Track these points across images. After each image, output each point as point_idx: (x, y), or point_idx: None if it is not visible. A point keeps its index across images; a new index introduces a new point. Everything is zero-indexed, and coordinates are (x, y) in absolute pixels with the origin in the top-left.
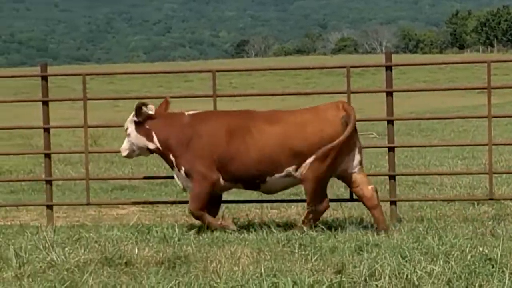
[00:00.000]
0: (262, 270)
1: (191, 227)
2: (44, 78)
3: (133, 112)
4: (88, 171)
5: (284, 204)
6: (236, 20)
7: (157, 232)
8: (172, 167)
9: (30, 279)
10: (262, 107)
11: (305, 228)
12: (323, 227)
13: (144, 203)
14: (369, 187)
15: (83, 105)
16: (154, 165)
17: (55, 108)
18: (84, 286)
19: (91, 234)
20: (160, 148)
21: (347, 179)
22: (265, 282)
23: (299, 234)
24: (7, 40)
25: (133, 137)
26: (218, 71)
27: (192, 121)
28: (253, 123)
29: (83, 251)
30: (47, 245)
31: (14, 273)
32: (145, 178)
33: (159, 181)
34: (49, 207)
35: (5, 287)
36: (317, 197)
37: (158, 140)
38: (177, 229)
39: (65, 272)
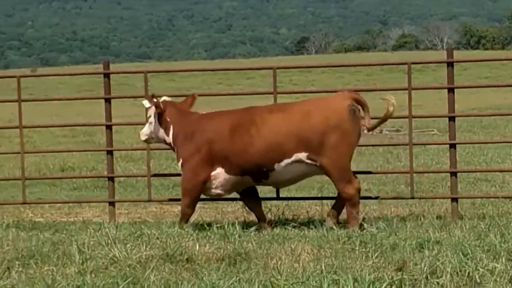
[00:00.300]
0: (323, 267)
1: (251, 223)
2: (107, 76)
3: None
4: (150, 168)
5: None
6: (297, 17)
7: (218, 228)
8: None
9: (93, 275)
10: None
11: (355, 222)
12: (384, 224)
13: (204, 200)
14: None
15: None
16: None
17: (117, 106)
18: (145, 282)
19: (152, 231)
20: (172, 142)
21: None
22: (325, 279)
23: (357, 231)
24: (70, 38)
25: (154, 126)
26: (278, 68)
27: (200, 119)
28: (258, 115)
29: (144, 247)
30: (109, 242)
31: (77, 268)
32: None
33: None
34: (111, 203)
35: (68, 283)
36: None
37: (172, 134)
38: (237, 226)
39: (127, 268)
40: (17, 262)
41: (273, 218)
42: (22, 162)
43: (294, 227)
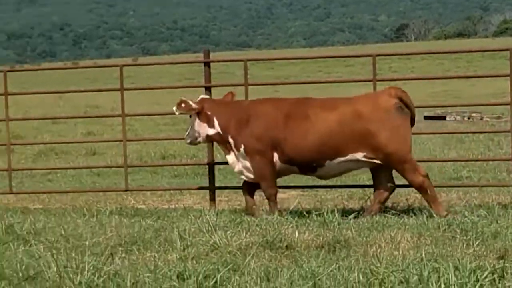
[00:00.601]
0: (423, 255)
1: (350, 211)
2: (207, 64)
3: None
4: None
5: (444, 188)
6: (396, 4)
7: (317, 216)
8: (229, 151)
9: (194, 261)
10: (421, 91)
11: (441, 207)
12: (485, 212)
13: (304, 187)
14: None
15: (244, 91)
16: None
17: (216, 94)
18: (246, 268)
19: (252, 218)
20: (220, 132)
21: None
22: (425, 267)
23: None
24: (170, 27)
25: (195, 124)
26: (378, 55)
27: (253, 104)
28: (311, 110)
29: (244, 234)
30: (210, 228)
31: (178, 255)
32: None
33: None
34: (212, 190)
35: (170, 269)
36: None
37: (219, 124)
38: (336, 214)
39: (228, 255)
40: (120, 248)
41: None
42: (124, 150)
43: (393, 214)
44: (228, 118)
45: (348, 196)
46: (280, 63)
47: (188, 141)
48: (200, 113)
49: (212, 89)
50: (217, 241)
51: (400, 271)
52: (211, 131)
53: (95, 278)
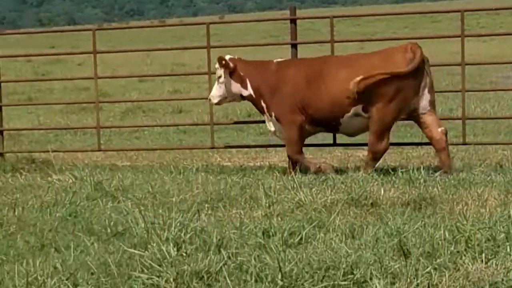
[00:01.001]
0: (510, 213)
1: (436, 169)
2: (293, 21)
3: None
4: None
5: None
6: None
7: (402, 173)
8: (263, 112)
9: (279, 218)
10: (509, 47)
11: (368, 170)
12: None
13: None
14: (439, 130)
15: (330, 48)
16: None
17: (302, 51)
18: (331, 226)
19: (337, 175)
20: (253, 94)
21: (417, 120)
22: None
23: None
24: None
25: (227, 84)
26: (466, 10)
27: (279, 67)
28: (326, 69)
29: (329, 191)
30: (295, 186)
31: (263, 212)
32: None
33: (404, 122)
34: None
35: (255, 225)
36: (381, 137)
37: (252, 86)
38: (422, 171)
39: (313, 212)
40: (206, 205)
41: (460, 163)
42: (210, 107)
43: (480, 172)
44: (259, 81)
45: (434, 154)
46: (366, 20)
47: (216, 100)
48: (233, 73)
49: (298, 46)
50: (302, 198)
51: (486, 229)
52: (245, 92)
53: (182, 234)
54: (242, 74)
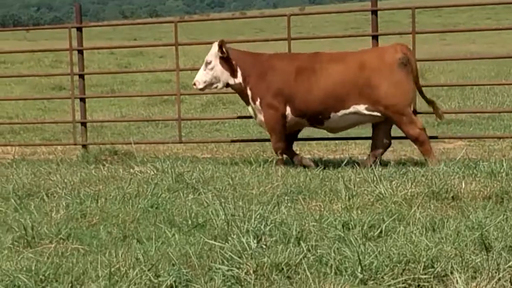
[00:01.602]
0: None
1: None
2: (374, 13)
3: (217, 47)
4: (415, 105)
5: None
6: None
7: (484, 166)
8: (247, 102)
9: (359, 211)
10: None
11: (433, 158)
12: None
13: (471, 137)
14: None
15: (412, 39)
16: (481, 99)
17: (382, 43)
18: (411, 219)
19: (418, 168)
20: (242, 84)
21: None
22: None
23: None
24: None
25: (217, 70)
26: None
27: (270, 59)
28: (319, 64)
29: (410, 184)
30: (375, 178)
31: (343, 204)
32: (471, 112)
33: (486, 115)
34: None
35: (335, 218)
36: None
37: (242, 75)
38: (505, 164)
39: (393, 205)
40: (286, 198)
41: None
42: None
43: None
44: (249, 70)
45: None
46: (448, 11)
47: (202, 86)
48: (224, 60)
49: (379, 38)
50: (382, 191)
51: None
52: (232, 81)
53: (262, 227)
54: (234, 62)
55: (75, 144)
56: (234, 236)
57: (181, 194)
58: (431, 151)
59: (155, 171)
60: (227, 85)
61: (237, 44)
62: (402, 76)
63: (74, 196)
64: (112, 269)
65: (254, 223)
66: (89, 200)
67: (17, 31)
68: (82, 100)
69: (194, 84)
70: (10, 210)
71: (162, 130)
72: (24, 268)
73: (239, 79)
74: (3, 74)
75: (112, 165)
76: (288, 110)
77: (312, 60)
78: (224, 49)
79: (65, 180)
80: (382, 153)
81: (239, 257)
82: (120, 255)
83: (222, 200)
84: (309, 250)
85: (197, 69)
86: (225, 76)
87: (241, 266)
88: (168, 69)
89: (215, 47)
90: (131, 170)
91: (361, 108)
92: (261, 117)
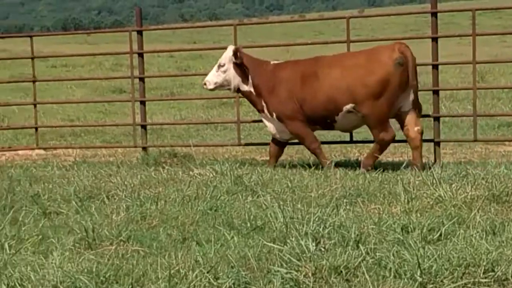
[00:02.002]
0: None
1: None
2: (434, 15)
3: (231, 52)
4: (476, 107)
5: None
6: None
7: None
8: (261, 111)
9: (418, 214)
10: None
11: (370, 162)
12: None
13: None
14: (415, 129)
15: (472, 41)
16: None
17: (442, 45)
18: (471, 222)
19: (478, 171)
20: (253, 91)
21: (399, 118)
22: None
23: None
24: None
25: (229, 74)
26: None
27: (275, 69)
28: (318, 68)
29: (470, 187)
30: (434, 181)
31: (402, 207)
32: None
33: None
34: (437, 143)
35: (394, 221)
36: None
37: (253, 83)
38: None
39: (452, 208)
40: (344, 200)
41: None
42: None
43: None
44: (259, 79)
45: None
46: (509, 12)
47: (212, 86)
48: (238, 66)
49: (438, 40)
50: (442, 194)
51: None
52: (243, 87)
53: (320, 229)
54: (247, 69)
55: (135, 147)
56: (293, 239)
57: (240, 197)
58: (374, 159)
59: (214, 174)
60: (238, 90)
61: (296, 47)
62: (395, 78)
63: (134, 198)
64: (172, 271)
65: (312, 226)
66: (149, 202)
67: (78, 35)
68: (142, 102)
69: (205, 84)
70: (71, 212)
71: (221, 133)
72: (85, 270)
73: (249, 87)
74: (65, 77)
75: (171, 167)
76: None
77: (314, 65)
78: (239, 56)
79: (125, 182)
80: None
81: (298, 260)
82: (179, 257)
83: (281, 203)
84: (368, 253)
85: None
86: (236, 81)
87: (300, 268)
88: None
89: (230, 51)
90: (191, 172)
91: (350, 107)
92: (278, 126)
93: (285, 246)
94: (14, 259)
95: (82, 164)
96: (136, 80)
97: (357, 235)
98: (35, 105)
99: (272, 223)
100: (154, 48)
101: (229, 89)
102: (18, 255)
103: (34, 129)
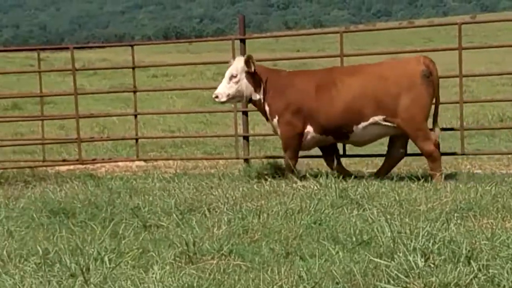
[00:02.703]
0: None
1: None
2: None
3: (243, 62)
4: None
5: None
6: None
7: None
8: (268, 119)
9: None
10: None
11: (438, 175)
12: None
13: None
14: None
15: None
16: None
17: None
18: None
19: None
20: (262, 99)
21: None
22: None
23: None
24: None
25: (242, 84)
26: None
27: (289, 76)
28: (339, 77)
29: None
30: None
31: None
32: None
33: None
34: None
35: (508, 236)
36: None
37: (263, 91)
38: None
39: None
40: (455, 214)
41: None
42: (461, 112)
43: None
44: (269, 86)
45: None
46: None
47: (225, 99)
48: (252, 75)
49: None
50: None
51: None
52: (255, 96)
53: (430, 244)
54: (260, 78)
55: (237, 158)
56: (401, 254)
57: (345, 210)
58: (440, 169)
59: (318, 186)
60: (250, 100)
61: (405, 54)
62: (423, 90)
63: (236, 211)
64: (275, 287)
65: (421, 241)
66: (251, 215)
67: (180, 44)
68: (245, 113)
69: (216, 97)
70: (172, 225)
71: None
72: (186, 285)
73: (260, 95)
74: (166, 87)
75: (274, 179)
76: (311, 128)
77: (331, 75)
78: (252, 64)
79: (227, 195)
80: (396, 163)
81: (406, 276)
82: (282, 272)
83: (388, 217)
84: (480, 270)
85: None
86: (249, 91)
87: (408, 285)
88: None
89: (241, 61)
90: (294, 185)
91: (380, 119)
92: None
93: (392, 262)
94: (114, 273)
95: (183, 176)
96: None
97: (469, 250)
98: (135, 116)
99: (379, 237)
100: (257, 57)
101: (240, 100)
102: (118, 269)
103: (134, 140)
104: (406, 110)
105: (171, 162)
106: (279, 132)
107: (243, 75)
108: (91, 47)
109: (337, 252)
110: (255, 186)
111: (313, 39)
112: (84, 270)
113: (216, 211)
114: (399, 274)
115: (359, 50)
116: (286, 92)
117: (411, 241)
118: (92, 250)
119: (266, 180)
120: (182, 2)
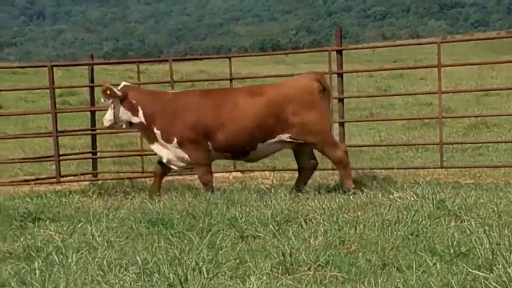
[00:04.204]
0: None
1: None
2: None
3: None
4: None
5: None
6: None
7: None
8: (153, 141)
9: None
10: None
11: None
12: None
13: None
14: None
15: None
16: None
17: None
18: None
19: None
20: (144, 122)
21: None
22: None
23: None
24: None
25: (116, 111)
26: None
27: (178, 96)
28: (241, 97)
29: None
30: None
31: None
32: None
33: None
34: None
35: None
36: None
37: (144, 114)
38: None
39: None
40: None
41: None
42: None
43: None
44: (153, 109)
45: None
46: None
47: (107, 124)
48: (123, 101)
49: None
50: None
51: None
52: (134, 119)
53: None
54: (133, 101)
55: (333, 169)
56: (500, 266)
57: (443, 221)
58: (350, 175)
59: (415, 197)
60: (130, 124)
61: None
62: (322, 103)
63: (332, 222)
64: None
65: None
66: (347, 226)
67: (277, 55)
68: (341, 124)
69: (103, 122)
70: (268, 236)
71: (422, 155)
72: None
73: (140, 118)
74: None
75: (371, 190)
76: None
77: (233, 95)
78: (110, 93)
79: (323, 206)
80: (310, 175)
81: None
82: (379, 284)
83: (487, 228)
84: None
85: (460, 91)
86: (126, 116)
87: None
88: (429, 92)
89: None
90: (390, 196)
91: (286, 137)
92: (177, 153)
93: (491, 274)
94: (212, 283)
95: (280, 187)
96: (335, 101)
97: None
98: None
99: (477, 249)
100: (353, 68)
101: (122, 124)
102: (216, 279)
103: None
104: (313, 125)
105: (267, 173)
106: (186, 156)
107: (117, 100)
108: (189, 59)
109: (435, 264)
110: (351, 197)
111: (410, 50)
112: (182, 280)
113: (312, 222)
114: (498, 287)
115: (456, 60)
116: (184, 112)
117: (510, 253)
118: (190, 260)
119: (362, 191)
120: (278, 14)
